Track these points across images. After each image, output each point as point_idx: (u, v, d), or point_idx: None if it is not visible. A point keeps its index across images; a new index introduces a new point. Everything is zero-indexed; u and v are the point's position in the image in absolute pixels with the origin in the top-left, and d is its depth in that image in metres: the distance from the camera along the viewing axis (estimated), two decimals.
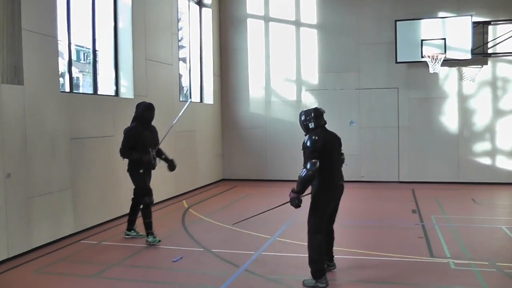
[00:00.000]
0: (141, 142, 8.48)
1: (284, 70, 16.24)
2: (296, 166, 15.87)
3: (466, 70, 15.34)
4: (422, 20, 14.89)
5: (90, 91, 10.86)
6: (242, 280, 6.65)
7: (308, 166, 6.17)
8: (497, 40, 15.10)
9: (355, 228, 9.71)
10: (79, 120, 9.60)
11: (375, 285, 6.38)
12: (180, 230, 9.64)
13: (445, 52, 14.52)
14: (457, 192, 13.80)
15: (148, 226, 8.50)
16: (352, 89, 15.85)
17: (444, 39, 14.60)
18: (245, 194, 13.89)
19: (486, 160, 15.32)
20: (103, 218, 10.24)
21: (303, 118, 6.64)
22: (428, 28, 14.80)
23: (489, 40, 15.14)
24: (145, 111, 8.55)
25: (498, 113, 15.25)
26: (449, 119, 15.43)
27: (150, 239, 8.45)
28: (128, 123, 11.09)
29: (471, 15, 14.68)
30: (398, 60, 15.03)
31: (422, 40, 14.70)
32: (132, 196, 9.04)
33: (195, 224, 10.07)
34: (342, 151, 6.95)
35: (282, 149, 16.23)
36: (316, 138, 6.33)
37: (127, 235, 9.02)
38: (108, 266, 7.35)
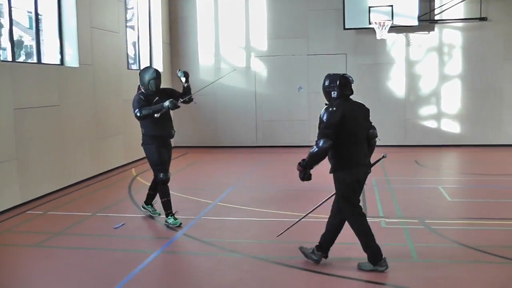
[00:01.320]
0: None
1: (234, 37, 16.25)
2: (246, 132, 16.27)
3: (413, 36, 15.62)
4: None
5: (34, 59, 10.73)
6: (179, 244, 6.86)
7: (320, 143, 5.50)
8: (444, 7, 15.40)
9: (292, 191, 9.93)
10: (22, 90, 9.45)
11: (307, 245, 6.61)
12: (126, 198, 9.74)
13: (392, 18, 14.69)
14: (402, 155, 14.18)
15: (166, 205, 7.65)
16: (301, 55, 16.00)
17: (391, 6, 14.74)
18: (195, 160, 14.04)
19: (432, 123, 15.74)
20: (50, 188, 10.19)
21: (326, 83, 5.78)
22: None
23: (435, 7, 15.42)
24: (150, 80, 7.61)
25: (444, 78, 15.63)
26: (396, 84, 15.76)
27: (171, 220, 7.56)
28: (74, 92, 11.15)
29: None
30: (346, 27, 15.19)
31: (369, 7, 14.83)
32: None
33: (141, 192, 10.12)
34: (373, 125, 5.94)
35: (232, 116, 16.36)
36: (334, 109, 5.55)
37: (144, 208, 8.34)
38: (51, 235, 7.41)
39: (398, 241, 6.76)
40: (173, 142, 16.29)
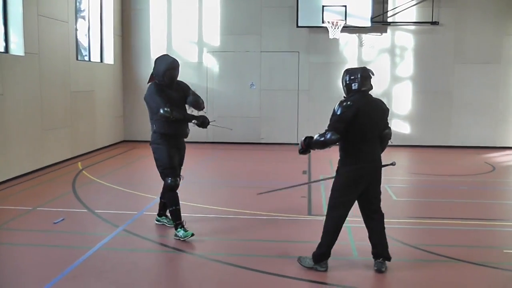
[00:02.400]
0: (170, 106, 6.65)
1: (186, 32, 16.07)
2: (197, 128, 15.89)
3: (366, 37, 15.76)
4: None
5: None
6: (118, 240, 6.68)
7: (328, 136, 5.37)
8: (396, 10, 15.59)
9: (244, 188, 9.89)
10: None
11: (250, 244, 6.55)
12: (69, 192, 9.48)
13: (345, 18, 14.79)
14: None
15: (175, 215, 6.74)
16: (254, 52, 15.94)
17: (345, 6, 14.85)
18: (142, 155, 13.81)
19: None
20: None
21: (347, 78, 5.55)
22: None
23: (388, 9, 15.59)
24: (167, 71, 6.70)
25: (395, 79, 15.82)
26: None
27: (181, 233, 6.63)
28: (18, 82, 10.81)
29: None
30: (299, 25, 15.21)
31: (323, 6, 14.89)
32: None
33: (85, 186, 9.94)
34: (389, 125, 5.80)
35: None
36: (350, 104, 5.36)
37: (158, 221, 7.37)
38: None
39: (340, 239, 6.70)
40: (121, 136, 16.24)
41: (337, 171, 5.70)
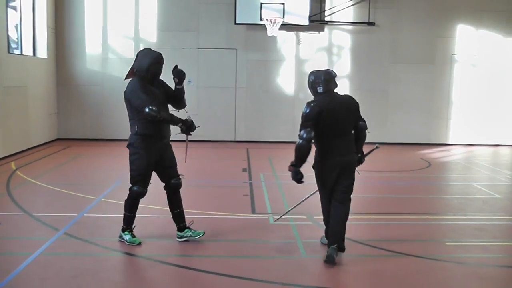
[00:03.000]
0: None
1: (122, 26, 15.71)
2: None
3: (304, 35, 15.87)
4: None
5: None
6: (60, 244, 6.43)
7: (303, 134, 5.75)
8: (334, 9, 15.80)
9: (184, 187, 9.74)
10: None
11: (197, 245, 6.47)
12: (3, 194, 9.05)
13: (283, 16, 14.84)
14: (290, 151, 14.21)
15: (127, 221, 6.43)
16: (191, 49, 15.78)
17: (283, 4, 14.90)
18: (78, 154, 13.43)
19: None
20: None
21: (311, 79, 5.98)
22: None
23: (326, 9, 15.77)
24: (151, 66, 6.29)
25: None
26: (286, 81, 15.95)
27: (127, 237, 6.37)
28: None
29: None
30: (237, 22, 15.15)
31: (261, 3, 14.89)
32: (163, 184, 6.65)
33: (20, 187, 9.52)
34: (362, 118, 6.22)
35: (119, 108, 15.72)
36: (314, 104, 5.78)
37: (180, 237, 6.57)
38: None
39: (287, 237, 6.78)
40: (54, 134, 15.73)
41: (314, 166, 6.10)
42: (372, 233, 7.08)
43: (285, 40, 15.83)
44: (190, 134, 6.46)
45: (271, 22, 14.58)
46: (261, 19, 14.81)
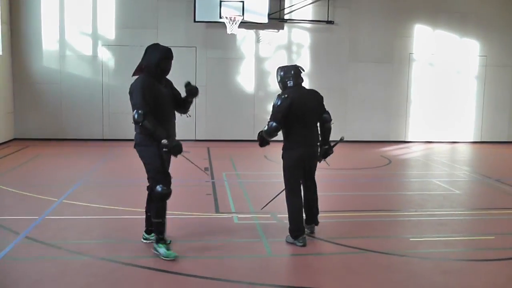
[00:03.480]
0: (159, 104, 5.89)
1: (80, 23, 15.42)
2: (93, 125, 15.56)
3: (263, 33, 15.89)
4: None
5: None
6: (21, 248, 6.21)
7: (271, 124, 6.23)
8: (293, 8, 15.86)
9: (144, 186, 9.60)
10: None
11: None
12: None
13: (243, 14, 14.83)
14: (251, 150, 14.29)
15: (159, 228, 5.96)
16: None
17: (242, 1, 14.89)
18: (38, 154, 13.14)
19: None
20: None
21: (282, 74, 6.44)
22: None
23: (285, 7, 15.82)
24: (162, 60, 5.96)
25: None
26: (246, 79, 15.94)
27: (162, 250, 5.87)
28: None
29: None
30: (196, 19, 15.07)
31: (221, 1, 14.84)
32: (148, 184, 6.18)
33: None
34: (327, 110, 6.63)
35: (78, 106, 15.57)
36: (285, 96, 6.23)
37: (146, 239, 6.38)
38: None
39: (252, 236, 6.74)
40: (11, 134, 15.34)
41: (282, 156, 6.45)
42: (336, 230, 7.09)
43: (244, 38, 15.82)
44: (176, 157, 5.93)
45: (230, 20, 14.56)
46: (220, 17, 14.77)
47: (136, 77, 6.07)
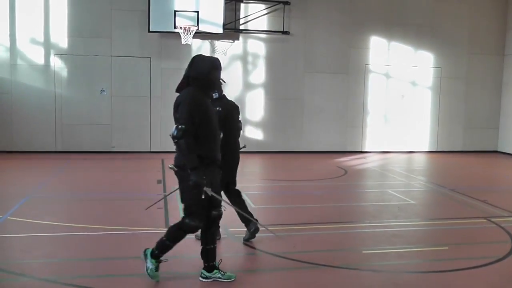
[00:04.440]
0: (208, 119, 5.46)
1: (32, 31, 14.99)
2: (45, 136, 15.14)
3: (218, 43, 15.77)
4: None
5: None
6: None
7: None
8: (248, 18, 15.78)
9: (96, 201, 9.35)
10: None
11: (107, 262, 6.15)
12: None
13: (197, 24, 14.69)
14: None
15: (163, 247, 5.56)
16: (104, 56, 15.29)
17: (197, 12, 14.76)
18: None
19: None
20: None
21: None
22: None
23: (240, 17, 15.74)
24: (212, 70, 5.49)
25: (248, 86, 16.01)
26: None
27: (151, 265, 5.52)
28: None
29: None
30: (151, 29, 14.86)
31: (175, 11, 14.67)
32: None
33: None
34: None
35: (30, 118, 15.11)
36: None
37: (206, 277, 5.67)
38: None
39: (199, 252, 6.52)
40: None
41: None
42: (288, 245, 6.94)
43: (199, 48, 15.65)
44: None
45: (185, 30, 14.41)
46: (175, 27, 14.61)
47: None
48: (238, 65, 15.97)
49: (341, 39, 16.42)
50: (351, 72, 16.61)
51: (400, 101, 17.00)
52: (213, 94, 6.30)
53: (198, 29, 14.64)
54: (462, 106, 17.55)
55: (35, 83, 15.11)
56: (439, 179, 12.45)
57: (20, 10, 14.91)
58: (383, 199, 10.06)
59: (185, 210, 5.46)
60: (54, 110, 15.22)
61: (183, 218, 5.46)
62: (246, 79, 16.03)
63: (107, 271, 5.91)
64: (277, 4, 15.83)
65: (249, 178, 12.31)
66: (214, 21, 14.93)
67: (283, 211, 8.97)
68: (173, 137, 5.28)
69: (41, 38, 15.08)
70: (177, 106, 5.40)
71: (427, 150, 17.42)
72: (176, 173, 5.50)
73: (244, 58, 16.03)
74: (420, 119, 17.26)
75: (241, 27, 15.84)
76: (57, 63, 15.15)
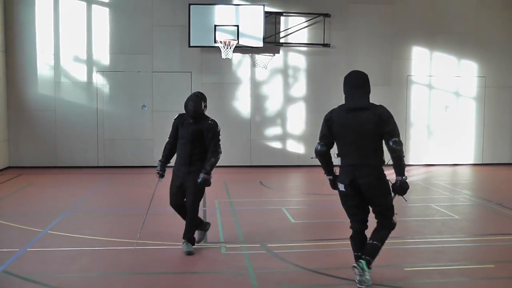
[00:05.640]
0: None
1: (75, 49, 15.28)
2: (87, 152, 15.36)
3: (259, 57, 15.75)
4: (215, 6, 14.97)
5: None
6: None
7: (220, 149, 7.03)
8: (289, 31, 15.73)
9: (135, 216, 9.35)
10: None
11: (138, 276, 6.12)
12: None
13: (237, 38, 14.73)
14: (247, 176, 14.12)
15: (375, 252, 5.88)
16: (145, 72, 15.46)
17: (237, 26, 14.81)
18: (30, 183, 12.89)
19: (277, 144, 15.91)
20: None
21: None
22: (221, 14, 14.90)
23: (281, 30, 15.70)
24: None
25: (289, 99, 15.92)
26: (242, 104, 15.76)
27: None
28: None
29: (264, 5, 15.13)
30: (191, 44, 14.94)
31: (215, 26, 14.76)
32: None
33: None
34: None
35: (73, 134, 15.37)
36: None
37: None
38: None
39: (238, 267, 6.45)
40: (5, 162, 15.11)
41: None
42: (329, 260, 6.79)
43: (240, 63, 15.67)
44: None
45: (225, 44, 14.44)
46: (215, 42, 14.66)
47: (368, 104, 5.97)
48: (279, 78, 15.91)
49: (382, 50, 16.21)
50: (393, 83, 16.35)
51: (444, 112, 16.65)
52: None
53: (238, 43, 14.67)
54: (508, 117, 17.05)
55: (78, 100, 15.36)
56: (485, 193, 12.08)
57: (64, 29, 15.22)
58: (426, 214, 9.78)
59: (388, 211, 5.84)
60: (96, 126, 15.44)
61: (390, 219, 5.86)
62: (287, 93, 15.95)
63: (142, 284, 5.87)
64: (317, 17, 15.74)
65: (291, 192, 12.23)
66: (254, 34, 14.94)
67: (321, 226, 8.81)
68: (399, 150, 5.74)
69: (83, 56, 15.35)
70: (387, 119, 5.79)
71: (472, 162, 16.97)
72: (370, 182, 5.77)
73: (284, 71, 15.97)
74: (465, 130, 16.84)
75: (282, 40, 15.79)
76: (99, 80, 15.39)
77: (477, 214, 10.12)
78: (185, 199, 7.05)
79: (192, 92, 15.52)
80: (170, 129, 7.23)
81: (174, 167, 7.12)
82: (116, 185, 12.78)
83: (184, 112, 7.15)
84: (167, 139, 7.23)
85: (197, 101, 7.06)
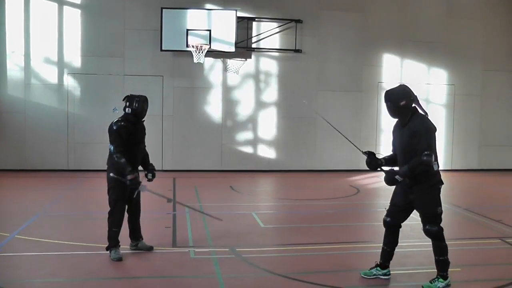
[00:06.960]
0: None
1: (46, 51, 15.13)
2: (57, 155, 15.18)
3: (231, 62, 15.78)
4: (188, 10, 15.00)
5: None
6: None
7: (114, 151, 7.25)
8: (261, 36, 15.79)
9: (104, 220, 9.28)
10: None
11: (105, 282, 6.09)
12: None
13: (210, 43, 14.75)
14: (217, 180, 14.11)
15: (445, 266, 6.24)
16: (117, 75, 15.36)
17: (210, 30, 14.85)
18: None
19: (248, 149, 15.95)
20: None
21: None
22: (194, 18, 14.93)
23: (253, 35, 15.75)
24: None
25: (260, 104, 15.96)
26: (213, 108, 15.77)
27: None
28: None
29: (236, 10, 15.20)
30: (163, 48, 14.93)
31: (187, 30, 14.77)
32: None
33: None
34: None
35: (43, 137, 15.19)
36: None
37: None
38: None
39: (206, 272, 6.45)
40: None
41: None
42: (299, 265, 6.82)
43: (211, 67, 15.68)
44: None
45: (197, 48, 14.46)
46: (187, 46, 14.67)
47: None
48: (251, 83, 15.96)
49: (353, 56, 16.37)
50: (364, 90, 16.52)
51: None
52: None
53: (210, 47, 14.70)
54: (477, 124, 17.36)
55: (48, 102, 15.20)
56: (453, 199, 12.23)
57: (34, 30, 15.06)
58: None
59: (433, 218, 6.61)
60: (66, 128, 15.30)
61: (437, 228, 6.54)
62: (258, 98, 16.00)
63: None
64: (289, 22, 15.84)
65: (261, 197, 12.26)
66: (226, 39, 14.98)
67: (291, 231, 8.83)
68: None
69: (54, 58, 15.20)
70: (425, 132, 6.21)
71: (441, 168, 17.10)
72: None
73: (256, 76, 16.02)
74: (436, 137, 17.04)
75: (253, 46, 15.85)
76: (70, 82, 15.25)
77: (445, 219, 10.05)
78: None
79: (164, 96, 15.74)
80: None
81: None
82: (85, 189, 12.67)
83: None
84: None
85: None
